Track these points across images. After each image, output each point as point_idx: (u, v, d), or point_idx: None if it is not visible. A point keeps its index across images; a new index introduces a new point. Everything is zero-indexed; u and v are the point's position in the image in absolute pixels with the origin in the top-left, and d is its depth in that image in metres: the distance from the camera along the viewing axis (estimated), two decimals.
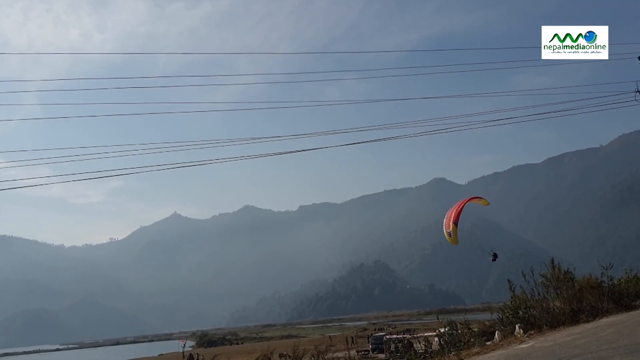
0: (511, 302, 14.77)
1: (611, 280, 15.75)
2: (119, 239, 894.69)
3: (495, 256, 28.82)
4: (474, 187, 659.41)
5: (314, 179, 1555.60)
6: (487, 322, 16.92)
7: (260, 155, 20.63)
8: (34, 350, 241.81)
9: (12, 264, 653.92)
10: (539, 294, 14.66)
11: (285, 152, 22.14)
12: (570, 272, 15.25)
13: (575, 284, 14.90)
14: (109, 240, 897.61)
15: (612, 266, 15.82)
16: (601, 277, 15.81)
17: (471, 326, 14.64)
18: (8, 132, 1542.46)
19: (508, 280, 15.69)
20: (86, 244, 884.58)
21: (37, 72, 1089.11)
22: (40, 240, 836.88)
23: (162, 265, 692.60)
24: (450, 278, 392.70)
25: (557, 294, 14.79)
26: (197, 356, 63.83)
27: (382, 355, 43.86)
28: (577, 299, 14.45)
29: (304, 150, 21.87)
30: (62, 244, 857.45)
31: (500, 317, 15.39)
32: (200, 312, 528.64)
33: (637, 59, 26.33)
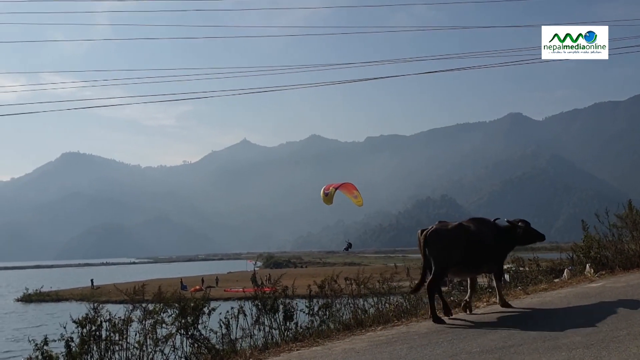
0: (584, 241, 14.39)
1: None
2: (192, 162, 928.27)
3: (349, 246, 27.85)
4: (551, 123, 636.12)
5: (383, 110, 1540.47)
6: (555, 261, 16.69)
7: (328, 83, 20.43)
8: (111, 263, 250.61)
9: (91, 181, 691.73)
10: (612, 235, 14.22)
11: (352, 81, 21.81)
12: None
13: None
14: (182, 163, 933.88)
15: None
16: None
17: (539, 263, 14.44)
18: (81, 53, 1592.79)
19: (582, 220, 15.22)
20: (161, 165, 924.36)
21: None
22: (117, 160, 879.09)
23: (232, 188, 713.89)
24: (519, 216, 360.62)
25: (632, 236, 14.31)
26: (268, 276, 65.95)
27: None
28: None
29: (372, 79, 21.49)
30: (138, 164, 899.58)
31: (571, 256, 15.10)
32: (266, 234, 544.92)
33: None
